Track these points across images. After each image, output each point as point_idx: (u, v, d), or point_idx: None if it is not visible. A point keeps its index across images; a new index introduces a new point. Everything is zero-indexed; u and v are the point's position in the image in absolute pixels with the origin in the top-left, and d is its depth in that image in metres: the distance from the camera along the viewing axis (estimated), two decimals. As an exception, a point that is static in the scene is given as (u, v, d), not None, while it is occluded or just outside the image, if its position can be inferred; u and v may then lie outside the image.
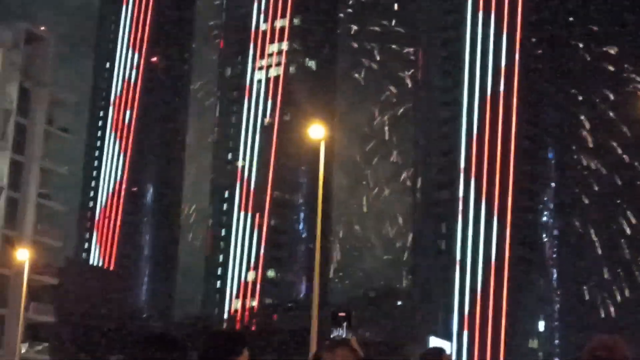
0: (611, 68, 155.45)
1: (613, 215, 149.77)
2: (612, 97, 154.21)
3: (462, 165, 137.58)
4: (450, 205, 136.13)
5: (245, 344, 4.76)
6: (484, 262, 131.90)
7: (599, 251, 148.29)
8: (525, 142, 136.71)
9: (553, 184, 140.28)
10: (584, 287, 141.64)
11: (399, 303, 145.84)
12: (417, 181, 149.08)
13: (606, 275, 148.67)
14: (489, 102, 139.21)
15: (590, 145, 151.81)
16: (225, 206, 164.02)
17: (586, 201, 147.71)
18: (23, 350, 59.51)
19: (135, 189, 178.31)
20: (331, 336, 5.00)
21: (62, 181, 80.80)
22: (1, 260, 62.07)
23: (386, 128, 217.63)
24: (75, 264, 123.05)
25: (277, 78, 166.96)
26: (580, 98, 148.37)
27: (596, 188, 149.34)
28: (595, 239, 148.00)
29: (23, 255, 50.69)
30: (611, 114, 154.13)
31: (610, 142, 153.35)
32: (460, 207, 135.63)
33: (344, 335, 5.00)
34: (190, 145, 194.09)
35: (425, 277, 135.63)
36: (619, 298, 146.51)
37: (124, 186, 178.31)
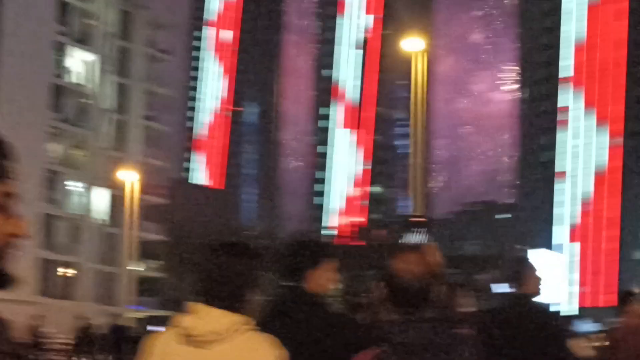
0: None
1: None
2: None
3: (568, 74, 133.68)
4: (555, 116, 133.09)
5: (329, 253, 4.63)
6: (593, 172, 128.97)
7: None
8: (635, 47, 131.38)
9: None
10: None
11: (503, 216, 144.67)
12: (521, 92, 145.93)
13: None
14: (598, 7, 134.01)
15: None
16: (326, 123, 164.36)
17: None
18: (138, 268, 61.52)
19: (237, 108, 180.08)
20: (400, 241, 4.80)
21: (166, 103, 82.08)
22: (111, 182, 63.84)
23: (488, 39, 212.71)
24: (183, 184, 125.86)
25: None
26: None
27: None
28: None
29: (132, 175, 51.98)
30: None
31: None
32: (566, 117, 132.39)
33: (420, 242, 4.77)
34: (290, 62, 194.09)
35: (530, 190, 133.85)
36: None
37: (226, 106, 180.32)
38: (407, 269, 3.28)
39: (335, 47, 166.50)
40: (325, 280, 4.59)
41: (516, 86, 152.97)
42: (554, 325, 6.09)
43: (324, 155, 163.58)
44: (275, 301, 4.60)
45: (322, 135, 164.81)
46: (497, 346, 5.69)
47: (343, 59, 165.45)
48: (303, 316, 4.41)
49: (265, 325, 3.76)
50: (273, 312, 4.49)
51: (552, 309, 7.09)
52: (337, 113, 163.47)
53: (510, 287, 6.10)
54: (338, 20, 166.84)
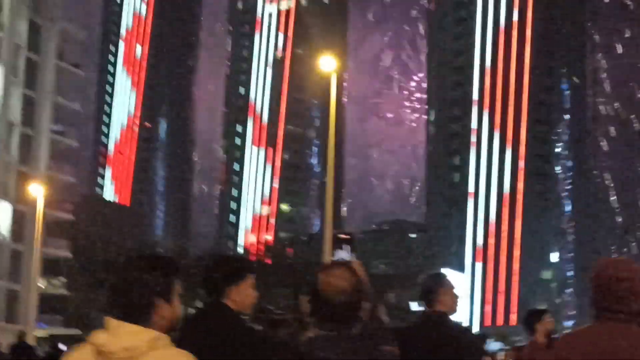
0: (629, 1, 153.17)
1: (630, 159, 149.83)
2: (629, 34, 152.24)
3: (476, 97, 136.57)
4: (463, 138, 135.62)
5: (250, 269, 4.63)
6: (497, 194, 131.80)
7: (613, 196, 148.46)
8: (539, 73, 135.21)
9: (567, 116, 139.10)
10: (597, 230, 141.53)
11: (413, 236, 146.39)
12: (430, 114, 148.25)
13: (619, 220, 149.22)
14: (502, 33, 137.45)
15: (608, 88, 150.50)
16: (238, 140, 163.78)
17: (604, 147, 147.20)
18: (42, 285, 59.89)
19: (147, 124, 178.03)
20: (332, 259, 4.81)
21: (75, 117, 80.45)
22: (16, 196, 62.15)
23: (398, 61, 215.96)
24: (90, 200, 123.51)
25: (288, 11, 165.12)
26: (597, 37, 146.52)
27: (613, 133, 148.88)
28: (610, 184, 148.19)
29: (37, 190, 50.66)
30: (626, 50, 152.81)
31: (629, 84, 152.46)
32: (474, 139, 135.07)
33: (347, 259, 4.77)
34: (202, 79, 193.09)
35: (439, 210, 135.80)
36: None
37: (136, 122, 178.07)
38: (333, 284, 3.21)
39: (249, 64, 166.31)
40: (246, 297, 4.53)
41: (428, 107, 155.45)
42: (468, 343, 6.10)
43: (235, 172, 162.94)
44: (195, 316, 4.51)
45: (234, 152, 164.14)
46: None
47: (257, 76, 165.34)
48: (223, 332, 4.33)
49: (183, 340, 3.64)
50: (192, 328, 4.40)
51: (464, 327, 7.13)
52: (249, 130, 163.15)
53: (426, 304, 6.07)
54: (252, 38, 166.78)
